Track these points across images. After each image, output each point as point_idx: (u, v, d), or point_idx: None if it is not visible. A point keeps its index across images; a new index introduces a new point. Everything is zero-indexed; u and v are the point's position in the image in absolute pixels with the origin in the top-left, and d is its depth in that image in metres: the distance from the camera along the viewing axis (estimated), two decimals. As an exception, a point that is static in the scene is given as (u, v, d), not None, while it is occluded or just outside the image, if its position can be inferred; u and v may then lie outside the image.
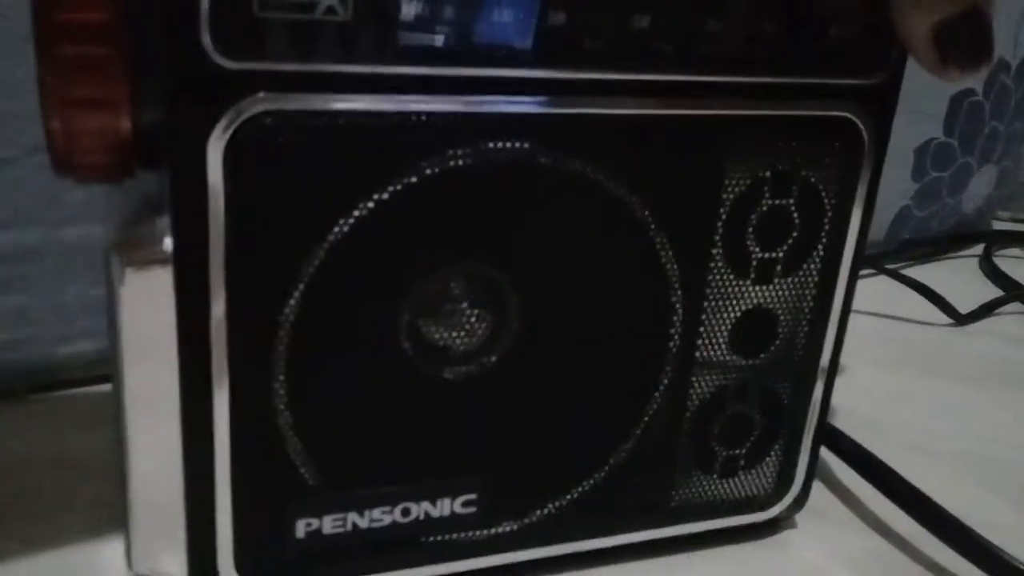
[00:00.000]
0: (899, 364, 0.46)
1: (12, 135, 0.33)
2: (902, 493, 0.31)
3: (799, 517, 0.31)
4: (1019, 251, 0.66)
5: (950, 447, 0.38)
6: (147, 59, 0.20)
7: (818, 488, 0.33)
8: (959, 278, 0.60)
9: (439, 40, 0.21)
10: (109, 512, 0.28)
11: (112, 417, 0.23)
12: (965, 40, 0.24)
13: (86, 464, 0.31)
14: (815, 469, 0.30)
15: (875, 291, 0.52)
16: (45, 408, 0.35)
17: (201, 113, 0.20)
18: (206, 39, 0.19)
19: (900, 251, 0.61)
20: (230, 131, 0.20)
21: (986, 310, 0.53)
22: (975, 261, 0.63)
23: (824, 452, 0.33)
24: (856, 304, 0.28)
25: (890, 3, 0.24)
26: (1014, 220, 0.75)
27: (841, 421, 0.36)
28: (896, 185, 0.60)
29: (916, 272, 0.58)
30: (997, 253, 0.64)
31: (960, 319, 0.52)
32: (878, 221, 0.60)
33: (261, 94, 0.20)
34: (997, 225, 0.72)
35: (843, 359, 0.29)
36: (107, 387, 0.35)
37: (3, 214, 0.34)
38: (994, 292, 0.56)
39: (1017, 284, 0.57)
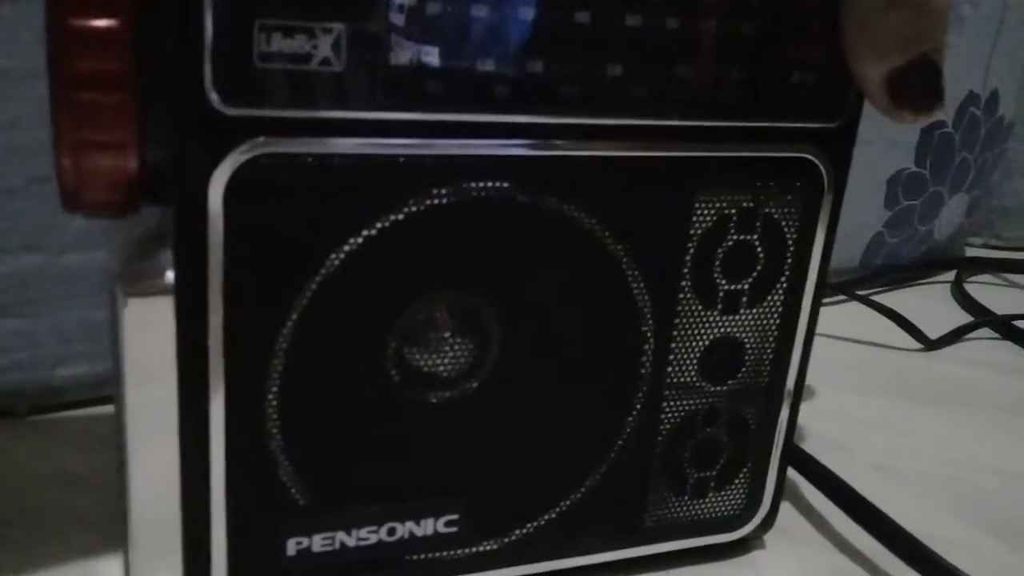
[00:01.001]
0: (868, 388, 0.47)
1: (16, 166, 0.34)
2: (866, 514, 0.32)
3: (768, 537, 0.33)
4: (990, 277, 0.68)
5: (917, 469, 0.39)
6: (154, 104, 0.21)
7: (787, 509, 0.34)
8: (930, 304, 0.61)
9: (425, 88, 0.23)
10: (106, 530, 0.30)
11: (112, 439, 0.25)
12: (917, 87, 0.25)
13: (84, 483, 0.32)
14: (783, 490, 0.32)
15: (846, 317, 0.54)
16: (44, 428, 0.36)
17: (204, 156, 0.21)
18: (210, 88, 0.21)
19: (873, 277, 0.63)
20: (230, 172, 0.21)
21: (955, 335, 0.55)
22: (946, 287, 0.64)
23: (793, 474, 0.34)
24: (827, 329, 0.30)
25: (848, 53, 0.26)
26: (986, 247, 0.77)
27: (811, 444, 0.38)
28: (869, 212, 0.62)
29: (888, 298, 0.59)
30: (968, 279, 0.65)
31: (929, 344, 0.53)
32: (852, 248, 0.62)
33: (260, 138, 0.21)
34: (969, 252, 0.74)
35: (814, 383, 0.31)
36: (104, 408, 0.37)
37: (6, 241, 0.35)
38: (964, 318, 0.58)
39: (987, 310, 0.58)
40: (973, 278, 0.66)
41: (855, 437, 0.41)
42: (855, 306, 0.56)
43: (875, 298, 0.58)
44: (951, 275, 0.65)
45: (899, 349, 0.53)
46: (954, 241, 0.70)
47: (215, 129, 0.21)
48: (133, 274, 0.23)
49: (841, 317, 0.53)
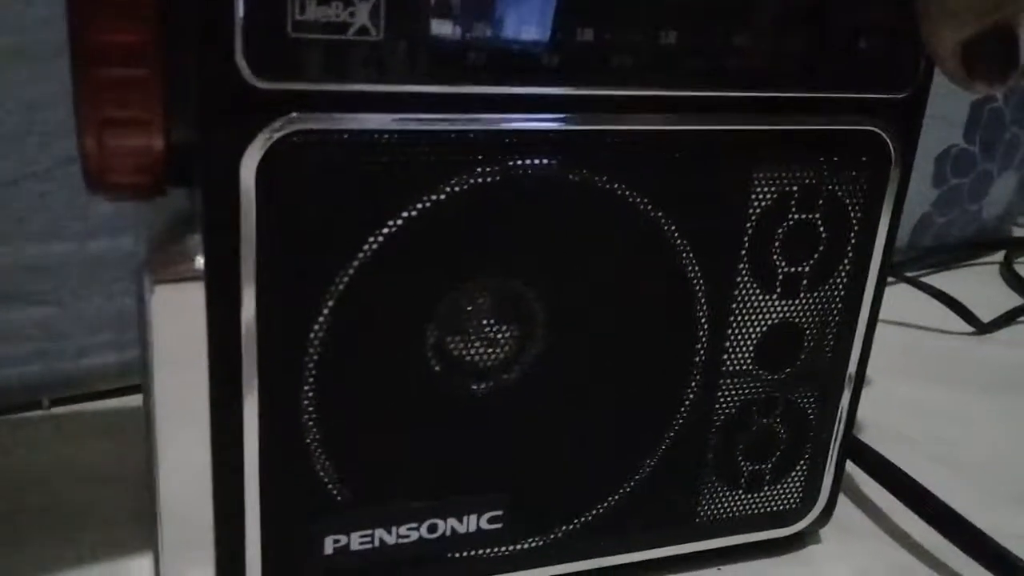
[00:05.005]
0: (923, 374, 0.45)
1: (38, 149, 0.33)
2: (927, 506, 0.31)
3: (823, 531, 0.31)
4: (1040, 258, 0.66)
5: (973, 457, 0.38)
6: (181, 79, 0.20)
7: (843, 501, 0.33)
8: (979, 285, 0.59)
9: (468, 59, 0.21)
10: (135, 525, 0.29)
11: (140, 431, 0.24)
12: (992, 56, 0.24)
13: (110, 476, 0.31)
14: (840, 483, 0.30)
15: (895, 299, 0.52)
16: (69, 421, 0.35)
17: (235, 133, 0.20)
18: (240, 59, 0.19)
19: (921, 258, 0.61)
20: (263, 150, 0.20)
21: (1008, 319, 0.53)
22: (995, 268, 0.62)
23: (849, 465, 0.33)
24: (877, 312, 0.28)
25: (919, 19, 0.24)
26: (1034, 226, 0.74)
27: (863, 432, 0.36)
28: (916, 192, 0.59)
29: (936, 279, 0.57)
30: (1018, 260, 0.63)
31: (982, 327, 0.51)
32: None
33: (294, 114, 0.20)
34: (1017, 232, 0.71)
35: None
36: (130, 399, 0.36)
37: (30, 227, 0.34)
38: (1014, 299, 0.56)
39: (1038, 292, 0.57)
40: (1022, 259, 0.64)
41: (911, 425, 0.39)
42: (904, 288, 0.55)
43: (924, 280, 0.56)
44: (1000, 256, 0.63)
45: (951, 333, 0.51)
46: (1003, 221, 0.67)
47: (246, 104, 0.20)
48: (161, 260, 0.21)
49: (890, 299, 0.51)
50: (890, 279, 0.54)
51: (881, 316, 0.29)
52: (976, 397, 0.44)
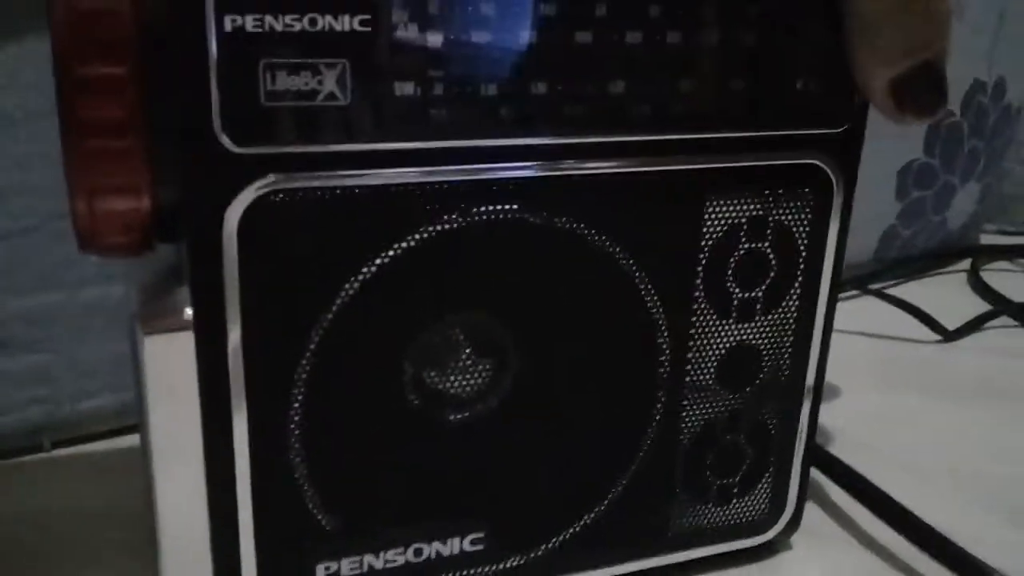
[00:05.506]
0: (889, 383, 0.47)
1: (31, 205, 0.35)
2: (892, 513, 0.32)
3: (794, 539, 0.33)
4: (1007, 264, 0.67)
5: (941, 464, 0.39)
6: (165, 145, 0.22)
7: (813, 509, 0.34)
8: (947, 294, 0.61)
9: (430, 117, 0.23)
10: (134, 560, 0.30)
11: (137, 471, 0.25)
12: (919, 92, 0.26)
13: (110, 516, 0.33)
14: (807, 492, 0.32)
15: (862, 311, 0.54)
16: (70, 462, 0.37)
17: (215, 196, 0.22)
18: (218, 129, 0.21)
19: (887, 270, 0.62)
20: (242, 210, 0.22)
21: (974, 325, 0.54)
22: (963, 276, 0.64)
23: (819, 475, 0.34)
24: (844, 325, 0.30)
25: (851, 60, 0.26)
26: (1001, 233, 0.76)
27: (832, 442, 0.38)
28: (881, 205, 0.61)
29: (904, 290, 0.59)
30: (984, 267, 0.65)
31: (948, 335, 0.53)
32: (865, 241, 0.62)
33: (270, 176, 0.22)
34: (984, 239, 0.73)
35: (834, 381, 0.31)
36: (129, 439, 0.37)
37: (25, 279, 0.35)
38: (982, 307, 0.57)
39: (1004, 298, 0.58)
40: (989, 266, 0.66)
41: (878, 434, 0.41)
42: (871, 300, 0.56)
43: (891, 291, 0.57)
44: (967, 264, 0.65)
45: (917, 342, 0.52)
46: (968, 230, 0.69)
47: (226, 169, 0.21)
48: (151, 312, 0.23)
49: (858, 312, 0.52)
50: (856, 292, 0.56)
51: (849, 328, 0.30)
52: (943, 403, 0.45)
